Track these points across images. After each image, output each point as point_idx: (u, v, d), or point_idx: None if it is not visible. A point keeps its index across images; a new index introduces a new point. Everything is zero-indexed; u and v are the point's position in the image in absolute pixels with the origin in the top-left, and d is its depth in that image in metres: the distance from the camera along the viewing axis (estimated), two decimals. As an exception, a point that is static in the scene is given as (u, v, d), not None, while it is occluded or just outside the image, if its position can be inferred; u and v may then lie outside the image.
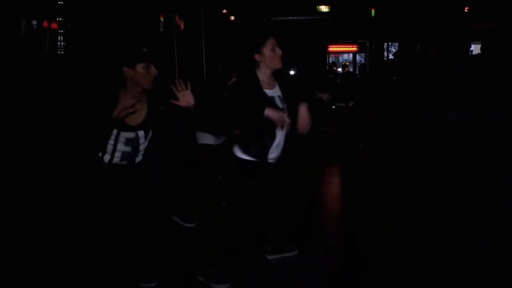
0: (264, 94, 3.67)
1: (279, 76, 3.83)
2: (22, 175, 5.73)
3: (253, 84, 3.67)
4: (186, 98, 3.35)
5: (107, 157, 3.37)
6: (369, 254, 4.27)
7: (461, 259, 4.05)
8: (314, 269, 4.01)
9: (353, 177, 7.09)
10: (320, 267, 4.04)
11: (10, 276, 3.78)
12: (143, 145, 3.40)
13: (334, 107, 13.53)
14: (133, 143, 3.35)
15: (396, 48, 17.57)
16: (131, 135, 3.33)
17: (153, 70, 3.29)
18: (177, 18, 10.83)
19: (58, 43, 13.38)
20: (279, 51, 3.69)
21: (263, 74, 3.73)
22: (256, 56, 3.71)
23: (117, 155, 3.37)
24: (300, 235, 4.70)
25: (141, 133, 3.36)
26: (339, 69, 18.12)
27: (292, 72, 12.70)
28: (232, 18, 14.33)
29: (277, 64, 3.72)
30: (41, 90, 6.90)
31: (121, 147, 3.35)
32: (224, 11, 13.97)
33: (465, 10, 12.83)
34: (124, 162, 3.40)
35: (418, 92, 6.56)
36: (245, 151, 3.67)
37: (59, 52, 13.02)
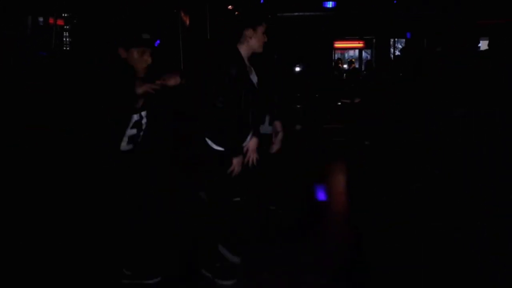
0: (248, 78, 3.64)
1: (254, 63, 3.80)
2: (22, 175, 5.73)
3: (238, 63, 3.61)
4: (173, 78, 3.35)
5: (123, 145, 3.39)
6: (369, 254, 4.28)
7: (461, 259, 4.05)
8: (315, 268, 4.02)
9: (356, 176, 7.09)
10: (321, 266, 4.05)
11: (10, 276, 3.79)
12: (145, 124, 3.43)
13: (340, 103, 13.53)
14: (138, 124, 3.39)
15: (403, 44, 17.48)
16: (137, 117, 3.37)
17: (148, 57, 3.25)
18: (182, 14, 10.83)
19: (64, 39, 13.43)
20: (266, 38, 3.68)
21: (244, 53, 3.66)
22: (248, 31, 3.60)
23: (125, 139, 3.39)
24: (301, 234, 4.73)
25: (144, 113, 3.39)
26: (345, 66, 18.06)
27: (297, 69, 12.67)
28: (238, 14, 14.29)
29: (260, 48, 3.67)
30: (41, 90, 6.91)
31: (128, 131, 3.38)
32: (230, 7, 13.95)
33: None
34: (130, 146, 3.42)
35: (418, 92, 6.55)
36: (217, 142, 3.64)
37: (64, 48, 13.07)
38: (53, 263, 3.99)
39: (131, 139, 3.41)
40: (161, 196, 3.64)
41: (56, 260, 4.02)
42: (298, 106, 11.40)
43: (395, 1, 13.93)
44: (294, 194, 5.91)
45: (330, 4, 15.29)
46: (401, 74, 9.49)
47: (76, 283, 3.73)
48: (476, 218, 4.76)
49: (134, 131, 3.40)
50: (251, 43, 3.65)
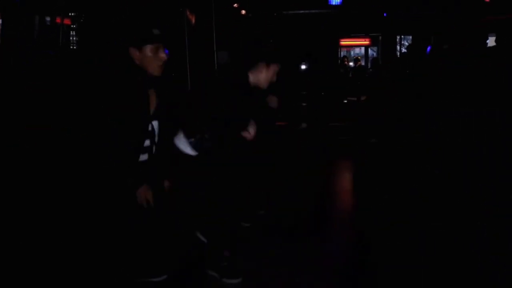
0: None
1: None
2: (22, 175, 5.73)
3: (244, 90, 3.68)
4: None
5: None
6: (368, 253, 4.29)
7: (461, 259, 4.05)
8: (315, 268, 4.03)
9: (359, 174, 7.10)
10: (321, 267, 4.06)
11: (10, 276, 3.80)
12: (157, 136, 3.28)
13: (346, 101, 13.54)
14: (150, 135, 3.26)
15: (409, 41, 17.41)
16: (149, 127, 3.22)
17: (163, 54, 3.06)
18: (188, 13, 10.85)
19: (71, 38, 13.52)
20: (274, 78, 3.80)
21: (252, 82, 3.76)
22: (262, 64, 3.71)
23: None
24: (301, 234, 4.75)
25: (155, 123, 3.25)
26: (351, 63, 18.06)
27: (303, 67, 12.69)
28: (243, 12, 14.33)
29: (266, 85, 3.79)
30: (42, 90, 6.92)
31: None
32: (235, 5, 13.96)
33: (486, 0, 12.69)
34: (145, 157, 3.30)
35: (419, 91, 6.54)
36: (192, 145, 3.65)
37: (71, 47, 13.15)
38: (53, 263, 4.01)
39: (145, 150, 3.31)
40: (161, 196, 3.65)
41: (56, 260, 4.04)
42: (304, 104, 11.43)
43: None
44: (295, 193, 5.94)
45: (335, 1, 15.25)
46: (407, 72, 9.49)
47: (77, 283, 3.75)
48: (476, 218, 4.75)
49: (147, 142, 3.28)
50: (260, 77, 3.74)
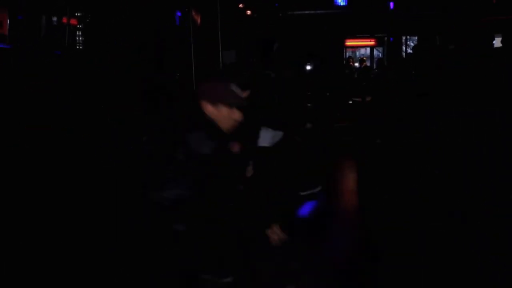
0: None
1: None
2: (22, 175, 5.74)
3: None
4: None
5: None
6: (369, 253, 4.29)
7: (461, 259, 4.04)
8: (315, 267, 4.03)
9: (359, 175, 7.09)
10: (321, 266, 4.06)
11: (10, 276, 3.81)
12: None
13: (351, 102, 13.51)
14: None
15: (415, 42, 17.36)
16: None
17: (237, 113, 2.70)
18: (193, 13, 10.88)
19: (77, 38, 13.57)
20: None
21: None
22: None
23: None
24: (302, 233, 4.75)
25: None
26: (356, 64, 18.02)
27: (308, 67, 12.67)
28: (249, 12, 14.36)
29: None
30: (42, 90, 6.93)
31: None
32: (241, 5, 14.00)
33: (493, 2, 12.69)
34: None
35: (420, 91, 6.53)
36: None
37: (77, 47, 13.19)
38: (53, 263, 4.02)
39: None
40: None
41: (56, 260, 4.05)
42: (309, 105, 11.42)
43: None
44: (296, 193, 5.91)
45: (342, 2, 15.26)
46: (412, 72, 9.48)
47: (77, 283, 3.76)
48: (476, 218, 4.75)
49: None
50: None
